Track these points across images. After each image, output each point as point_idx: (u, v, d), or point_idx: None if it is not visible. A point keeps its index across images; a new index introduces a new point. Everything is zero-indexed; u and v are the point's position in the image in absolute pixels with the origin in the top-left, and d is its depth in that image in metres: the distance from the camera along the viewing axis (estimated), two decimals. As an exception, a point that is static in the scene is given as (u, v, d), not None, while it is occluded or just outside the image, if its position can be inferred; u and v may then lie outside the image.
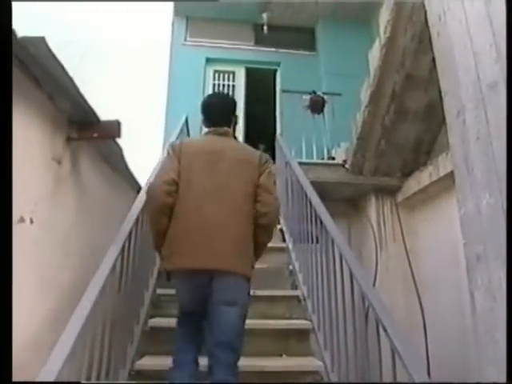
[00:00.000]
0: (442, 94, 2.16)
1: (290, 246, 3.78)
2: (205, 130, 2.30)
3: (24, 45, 1.73)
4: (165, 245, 1.95)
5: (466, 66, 1.89)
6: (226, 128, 2.21)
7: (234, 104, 2.33)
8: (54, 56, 1.85)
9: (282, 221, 4.21)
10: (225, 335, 1.84)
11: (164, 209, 1.92)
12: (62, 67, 1.95)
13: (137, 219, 2.61)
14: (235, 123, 2.32)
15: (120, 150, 2.98)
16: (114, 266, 2.15)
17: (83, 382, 1.87)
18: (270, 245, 3.63)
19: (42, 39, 1.74)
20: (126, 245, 2.41)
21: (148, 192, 2.04)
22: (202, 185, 1.95)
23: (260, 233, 2.02)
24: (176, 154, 2.05)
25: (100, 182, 3.06)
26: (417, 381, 1.59)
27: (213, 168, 1.99)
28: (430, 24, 2.27)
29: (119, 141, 2.87)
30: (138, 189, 3.59)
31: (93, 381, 1.93)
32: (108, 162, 3.15)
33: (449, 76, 2.05)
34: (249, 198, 1.99)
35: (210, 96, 2.44)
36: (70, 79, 2.07)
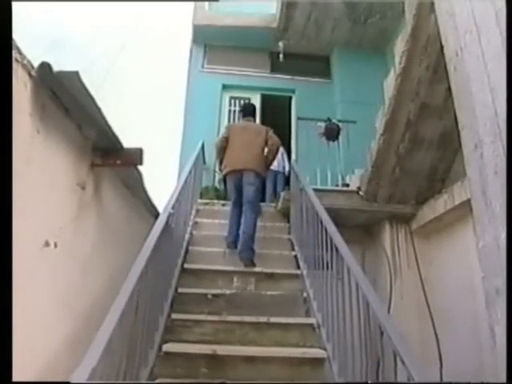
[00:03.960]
0: (460, 127, 2.21)
1: (305, 273, 3.77)
2: (242, 119, 4.87)
3: (59, 78, 1.82)
4: (222, 164, 4.44)
5: (483, 101, 1.94)
6: (250, 117, 4.77)
7: (255, 107, 4.98)
8: (85, 88, 1.94)
9: (296, 247, 4.23)
10: (248, 197, 4.15)
11: (221, 148, 4.43)
12: (92, 98, 2.04)
13: (155, 245, 2.65)
14: (255, 115, 4.94)
15: (140, 176, 3.05)
16: (133, 292, 2.18)
17: (82, 382, 1.86)
18: (284, 271, 3.80)
19: (76, 73, 1.84)
20: (145, 270, 2.44)
21: (216, 142, 4.61)
22: (239, 139, 4.39)
23: (269, 154, 4.41)
24: (227, 128, 4.68)
25: (121, 206, 3.13)
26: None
27: (244, 133, 4.48)
28: (446, 58, 2.34)
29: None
30: (156, 214, 3.64)
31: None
32: (129, 187, 3.22)
33: (466, 110, 2.10)
34: (261, 144, 4.37)
35: (244, 104, 5.22)
36: (99, 109, 2.15)
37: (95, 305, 2.52)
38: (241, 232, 4.04)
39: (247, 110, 4.82)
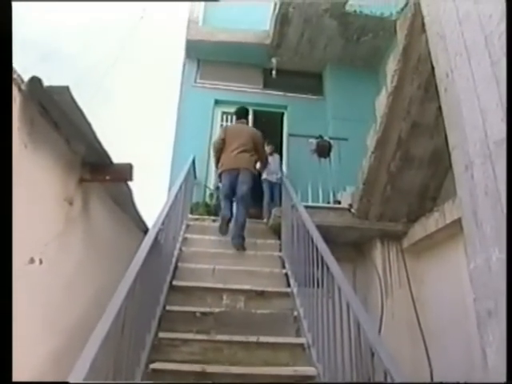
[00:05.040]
0: (450, 148, 2.23)
1: (295, 291, 3.74)
2: (235, 121, 5.61)
3: (49, 93, 1.82)
4: (220, 163, 4.97)
5: (473, 122, 1.97)
6: (244, 120, 5.41)
7: (247, 110, 5.60)
8: (75, 103, 1.94)
9: (286, 265, 4.21)
10: (241, 195, 4.69)
11: (218, 149, 4.99)
12: (82, 112, 2.03)
13: (144, 261, 2.62)
14: (247, 118, 5.62)
15: (130, 191, 3.03)
16: (120, 309, 2.15)
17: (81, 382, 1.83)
18: (274, 289, 3.76)
19: (66, 88, 1.83)
20: (133, 287, 2.41)
21: (213, 143, 5.27)
22: (235, 141, 4.91)
23: (259, 160, 5.14)
24: (224, 130, 5.23)
25: (109, 222, 3.10)
26: None
27: (239, 136, 5.00)
28: (437, 79, 2.38)
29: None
30: (146, 229, 3.61)
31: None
32: (118, 203, 3.20)
33: (456, 131, 2.13)
34: (251, 148, 4.94)
35: (237, 108, 5.61)
36: (89, 124, 2.14)
37: (80, 322, 2.47)
38: (233, 222, 4.70)
39: (240, 113, 5.47)
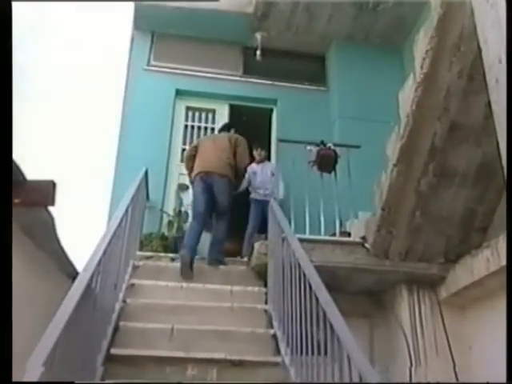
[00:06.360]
0: (501, 155, 2.22)
1: (287, 361, 3.70)
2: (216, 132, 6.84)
3: None
4: (193, 170, 5.69)
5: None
6: (223, 133, 6.17)
7: (229, 125, 6.43)
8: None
9: (275, 323, 4.17)
10: (222, 208, 5.46)
11: (190, 156, 5.85)
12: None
13: (68, 322, 2.52)
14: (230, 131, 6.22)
15: (51, 219, 2.96)
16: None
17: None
18: (257, 358, 3.69)
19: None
20: (49, 360, 2.31)
21: (186, 152, 6.25)
22: (209, 147, 5.76)
23: (236, 166, 5.70)
24: (197, 140, 6.43)
25: (16, 265, 3.00)
26: None
27: (215, 139, 6.05)
28: (485, 66, 2.38)
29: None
30: (74, 274, 3.53)
31: None
32: (31, 235, 3.12)
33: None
34: (229, 153, 5.64)
35: (221, 125, 6.70)
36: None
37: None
38: (210, 243, 5.39)
39: (222, 128, 6.36)
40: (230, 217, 5.51)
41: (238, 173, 5.72)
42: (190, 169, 5.78)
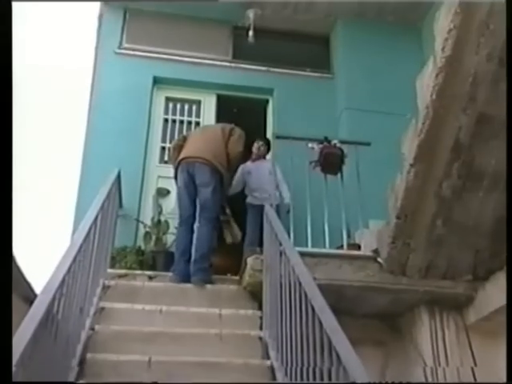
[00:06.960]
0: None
1: (287, 397, 3.69)
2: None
3: None
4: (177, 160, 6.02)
5: None
6: (214, 126, 6.77)
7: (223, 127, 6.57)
8: None
9: (271, 352, 4.17)
10: (205, 204, 5.56)
11: (177, 146, 6.15)
12: None
13: (21, 356, 2.46)
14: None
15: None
16: None
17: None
18: None
19: None
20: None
21: (173, 142, 6.47)
22: (198, 136, 6.28)
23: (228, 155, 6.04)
24: (187, 133, 6.82)
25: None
26: None
27: (205, 129, 6.75)
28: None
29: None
30: (32, 298, 3.48)
31: None
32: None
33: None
34: (220, 144, 5.92)
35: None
36: None
37: None
38: (192, 258, 5.22)
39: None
40: (216, 222, 5.53)
41: (230, 162, 5.89)
42: (174, 160, 5.95)
